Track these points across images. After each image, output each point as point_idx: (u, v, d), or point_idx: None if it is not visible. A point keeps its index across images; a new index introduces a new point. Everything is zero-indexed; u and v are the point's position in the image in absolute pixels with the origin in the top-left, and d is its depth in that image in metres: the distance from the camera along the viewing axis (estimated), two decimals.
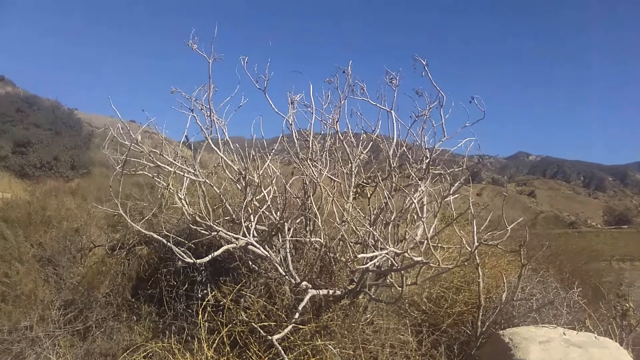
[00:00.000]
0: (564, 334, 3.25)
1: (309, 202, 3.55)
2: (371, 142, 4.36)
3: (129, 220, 3.17)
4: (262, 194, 3.53)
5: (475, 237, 3.12)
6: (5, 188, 14.61)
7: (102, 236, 5.26)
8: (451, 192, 3.56)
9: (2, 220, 4.75)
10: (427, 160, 4.06)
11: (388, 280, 3.59)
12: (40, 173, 20.24)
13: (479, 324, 3.58)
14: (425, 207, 3.83)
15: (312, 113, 4.14)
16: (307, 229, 3.90)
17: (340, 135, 4.24)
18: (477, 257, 3.39)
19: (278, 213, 3.62)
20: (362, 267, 3.16)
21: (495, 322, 3.68)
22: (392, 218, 3.54)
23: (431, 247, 3.05)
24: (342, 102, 4.16)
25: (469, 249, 3.06)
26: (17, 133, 22.80)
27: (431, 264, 3.03)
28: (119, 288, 4.46)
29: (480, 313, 3.59)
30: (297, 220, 3.80)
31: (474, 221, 3.22)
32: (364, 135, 4.38)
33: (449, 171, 4.05)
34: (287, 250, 3.34)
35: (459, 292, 4.03)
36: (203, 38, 3.62)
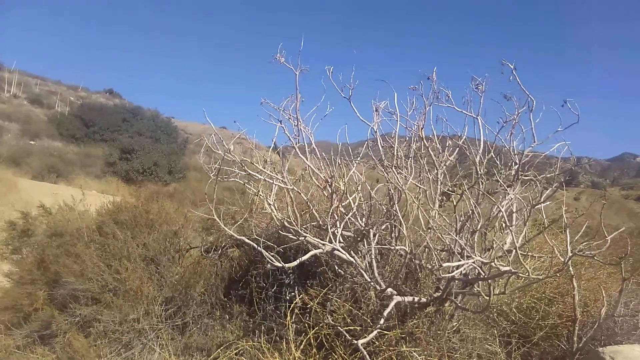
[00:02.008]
0: None
1: (394, 209, 3.56)
2: (457, 148, 4.29)
3: (223, 225, 3.37)
4: (348, 200, 3.60)
5: (569, 247, 2.97)
6: (114, 191, 16.01)
7: (197, 238, 5.61)
8: (542, 200, 3.41)
9: (114, 222, 5.24)
10: (516, 166, 3.94)
11: (475, 289, 3.51)
12: (142, 178, 21.96)
13: (575, 339, 3.39)
14: (514, 214, 3.71)
15: (397, 120, 4.15)
16: (392, 235, 3.91)
17: (425, 141, 4.21)
18: (571, 268, 3.22)
19: (363, 219, 3.67)
20: (447, 275, 3.12)
21: (594, 339, 3.45)
22: (479, 226, 3.46)
23: (520, 256, 2.95)
24: (427, 109, 4.14)
25: (562, 260, 2.92)
26: (123, 141, 24.93)
27: (520, 274, 2.93)
28: (212, 288, 4.72)
29: (577, 327, 3.39)
30: (383, 227, 3.83)
31: (568, 230, 3.07)
32: (450, 141, 4.32)
33: (540, 177, 3.90)
34: (373, 257, 3.38)
35: (551, 303, 3.82)
36: (290, 51, 3.77)
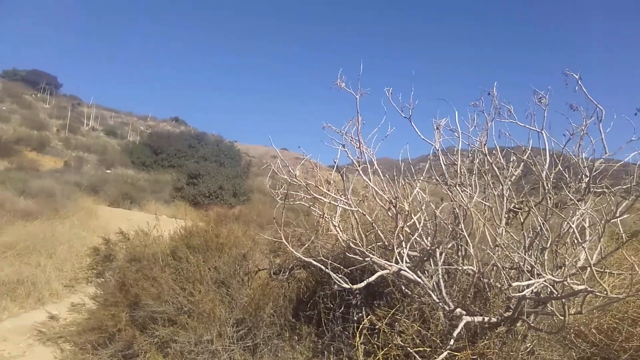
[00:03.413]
0: None
1: (460, 228, 3.54)
2: (522, 163, 4.21)
3: (291, 248, 3.49)
4: (412, 220, 3.61)
5: None
6: (182, 215, 16.73)
7: (265, 260, 5.77)
8: (618, 214, 3.27)
9: (186, 246, 5.52)
10: (586, 179, 3.81)
11: (549, 308, 3.40)
12: (208, 201, 22.78)
13: None
14: (587, 230, 3.58)
15: (459, 138, 4.14)
16: (459, 253, 3.88)
17: (488, 157, 4.16)
18: None
19: (429, 239, 3.66)
20: (518, 294, 3.05)
21: None
22: (549, 243, 3.37)
23: (596, 273, 2.84)
24: (489, 125, 4.11)
25: None
26: (189, 166, 26.07)
27: (597, 293, 2.82)
28: (281, 309, 4.83)
29: None
30: (449, 246, 3.80)
31: None
32: (514, 157, 4.25)
33: (614, 189, 3.74)
34: (440, 276, 3.37)
35: (636, 324, 3.61)
36: (350, 75, 3.88)
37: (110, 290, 6.03)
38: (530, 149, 4.13)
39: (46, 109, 39.94)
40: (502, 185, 4.07)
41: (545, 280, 2.91)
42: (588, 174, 3.82)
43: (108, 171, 26.48)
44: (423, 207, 3.74)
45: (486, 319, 3.34)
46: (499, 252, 3.48)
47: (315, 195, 3.84)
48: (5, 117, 31.88)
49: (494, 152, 4.29)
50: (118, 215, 15.21)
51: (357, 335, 3.50)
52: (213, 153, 30.78)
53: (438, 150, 4.17)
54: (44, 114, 37.23)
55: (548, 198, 3.77)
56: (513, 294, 3.22)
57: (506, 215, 3.91)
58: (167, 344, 4.55)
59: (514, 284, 3.02)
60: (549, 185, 3.84)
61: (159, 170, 27.82)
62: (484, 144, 4.15)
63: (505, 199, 3.99)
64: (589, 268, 2.97)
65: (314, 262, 3.48)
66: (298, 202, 3.98)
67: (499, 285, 3.46)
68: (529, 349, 3.43)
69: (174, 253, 5.69)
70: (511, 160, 4.30)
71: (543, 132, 3.92)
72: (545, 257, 3.39)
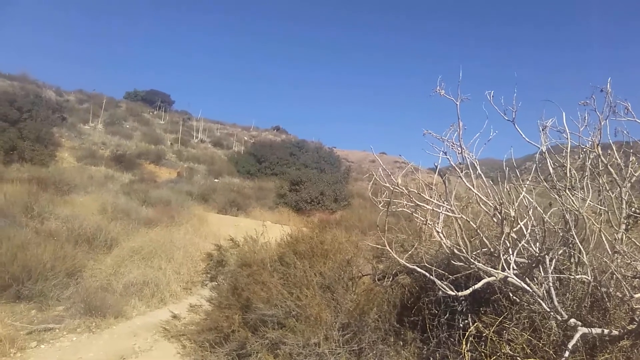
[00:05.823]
0: None
1: (570, 234, 3.37)
2: None
3: (394, 255, 3.54)
4: (519, 226, 3.50)
5: None
6: (286, 221, 17.39)
7: (368, 266, 5.85)
8: None
9: (293, 252, 5.77)
10: None
11: None
12: (310, 207, 23.45)
13: None
14: None
15: (568, 139, 3.92)
16: (572, 260, 3.68)
17: (602, 158, 3.90)
18: None
19: (537, 245, 3.53)
20: None
21: None
22: None
23: None
24: (602, 124, 3.84)
25: None
26: (291, 174, 27.06)
27: None
28: (385, 314, 4.87)
29: None
30: (559, 252, 3.63)
31: None
32: (634, 156, 3.93)
33: None
34: (550, 284, 3.23)
35: None
36: (450, 82, 3.86)
37: (223, 293, 6.46)
38: None
39: (161, 124, 43.65)
40: (619, 187, 3.79)
41: None
42: None
43: (216, 180, 28.23)
44: (530, 212, 3.61)
45: (606, 331, 3.14)
46: (619, 260, 3.26)
47: (417, 202, 3.86)
48: (129, 134, 35.38)
49: (609, 151, 4.00)
50: (226, 222, 16.19)
51: (464, 342, 3.45)
52: (313, 160, 31.69)
53: (544, 152, 3.98)
54: (160, 130, 40.72)
55: None
56: (637, 306, 3.01)
57: (626, 221, 3.65)
58: (277, 346, 4.79)
59: (637, 295, 2.82)
60: None
61: (262, 178, 29.20)
62: (597, 144, 3.89)
63: (624, 202, 3.72)
64: None
65: (418, 269, 3.49)
66: (400, 209, 4.02)
67: (620, 296, 3.24)
68: None
69: (282, 259, 5.95)
70: (630, 160, 3.99)
71: None
72: None
